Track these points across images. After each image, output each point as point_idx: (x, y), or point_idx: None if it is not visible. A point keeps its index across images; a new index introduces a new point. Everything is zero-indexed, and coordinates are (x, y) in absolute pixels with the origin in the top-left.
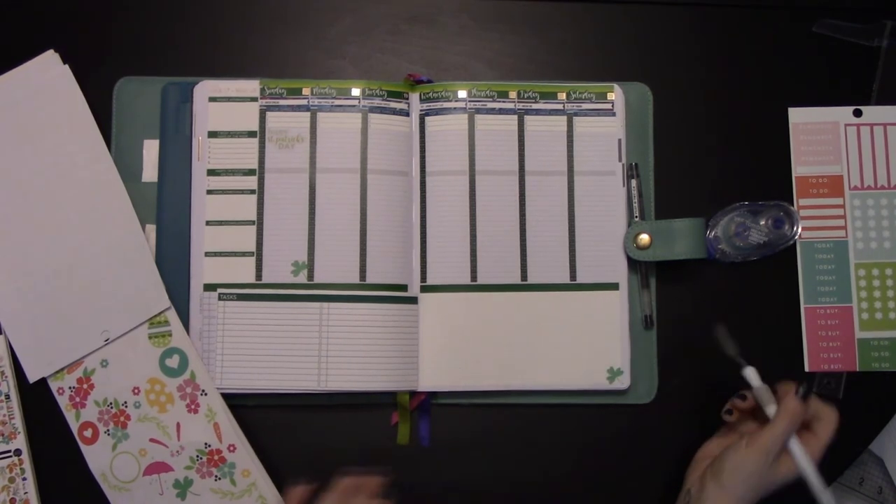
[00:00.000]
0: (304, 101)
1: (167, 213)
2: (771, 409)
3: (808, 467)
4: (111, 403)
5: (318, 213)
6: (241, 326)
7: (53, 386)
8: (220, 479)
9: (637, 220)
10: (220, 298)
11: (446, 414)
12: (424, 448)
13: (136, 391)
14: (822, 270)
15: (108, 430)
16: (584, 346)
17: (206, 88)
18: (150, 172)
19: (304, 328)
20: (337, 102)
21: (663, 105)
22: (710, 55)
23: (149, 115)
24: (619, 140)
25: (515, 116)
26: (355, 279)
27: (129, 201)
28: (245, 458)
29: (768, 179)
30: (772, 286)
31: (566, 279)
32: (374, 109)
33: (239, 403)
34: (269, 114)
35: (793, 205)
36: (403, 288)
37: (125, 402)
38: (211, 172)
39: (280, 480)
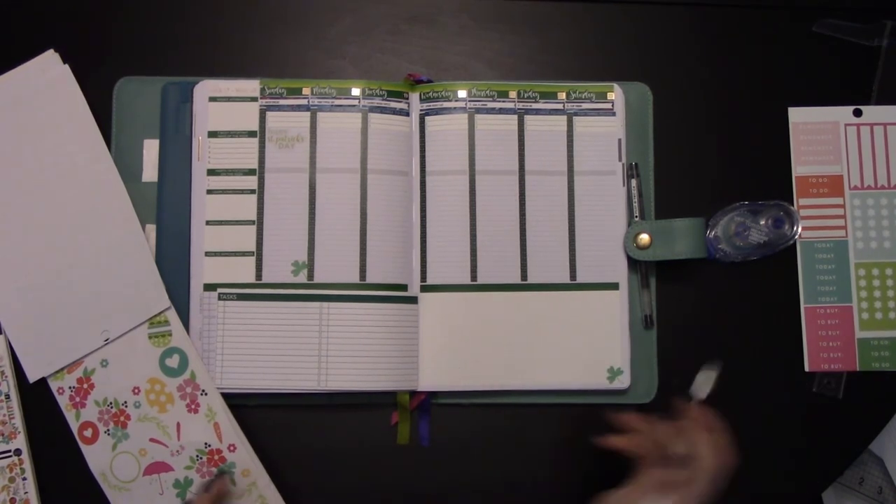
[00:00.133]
0: (304, 101)
1: (167, 213)
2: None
3: None
4: (111, 403)
5: (318, 212)
6: (241, 326)
7: (53, 386)
8: None
9: (637, 219)
10: (220, 298)
11: (446, 414)
12: (424, 448)
13: (136, 391)
14: (822, 270)
15: (108, 430)
16: (584, 345)
17: (206, 88)
18: (150, 172)
19: (304, 328)
20: (337, 102)
21: (663, 105)
22: (710, 55)
23: (149, 115)
24: (619, 140)
25: (515, 116)
26: (355, 279)
27: (129, 201)
28: (245, 458)
29: (768, 179)
30: (772, 286)
31: (566, 279)
32: (374, 109)
33: (239, 403)
34: (269, 114)
35: (793, 205)
36: (403, 288)
37: (125, 402)
38: (211, 172)
39: (280, 480)
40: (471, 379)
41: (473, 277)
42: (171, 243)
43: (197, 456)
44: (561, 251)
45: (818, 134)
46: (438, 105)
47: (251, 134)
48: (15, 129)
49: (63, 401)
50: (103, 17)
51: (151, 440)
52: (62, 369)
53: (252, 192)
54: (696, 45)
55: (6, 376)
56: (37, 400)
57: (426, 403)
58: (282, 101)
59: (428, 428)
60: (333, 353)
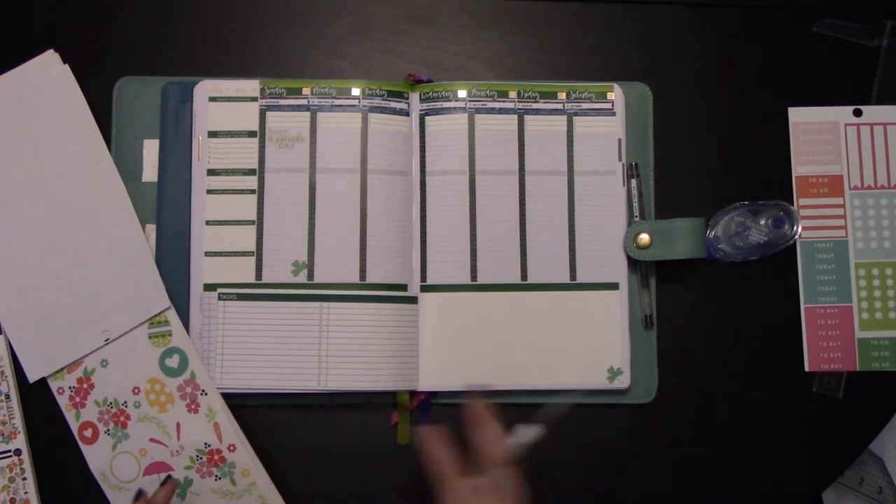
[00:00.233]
0: (304, 101)
1: (167, 213)
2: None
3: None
4: (111, 403)
5: (318, 212)
6: (241, 326)
7: (53, 386)
8: (220, 478)
9: (637, 219)
10: (220, 298)
11: (446, 414)
12: None
13: (136, 391)
14: (822, 270)
15: (108, 430)
16: (584, 345)
17: (206, 88)
18: (150, 172)
19: (304, 328)
20: (337, 102)
21: (663, 105)
22: (710, 55)
23: (149, 115)
24: (619, 140)
25: (515, 116)
26: (355, 279)
27: (129, 201)
28: (245, 458)
29: (768, 179)
30: (772, 286)
31: (566, 279)
32: (374, 109)
33: (239, 403)
34: (269, 114)
35: (793, 204)
36: (403, 288)
37: (125, 402)
38: (211, 172)
39: (280, 480)
40: (471, 379)
41: (473, 277)
42: (171, 243)
43: (197, 456)
44: (561, 251)
45: (818, 134)
46: (438, 105)
47: (251, 134)
48: (15, 129)
49: (63, 401)
50: (103, 17)
51: (151, 440)
52: (62, 369)
53: (252, 192)
54: (696, 45)
55: (6, 376)
56: (37, 400)
57: (426, 403)
58: (282, 101)
59: None
60: (333, 353)
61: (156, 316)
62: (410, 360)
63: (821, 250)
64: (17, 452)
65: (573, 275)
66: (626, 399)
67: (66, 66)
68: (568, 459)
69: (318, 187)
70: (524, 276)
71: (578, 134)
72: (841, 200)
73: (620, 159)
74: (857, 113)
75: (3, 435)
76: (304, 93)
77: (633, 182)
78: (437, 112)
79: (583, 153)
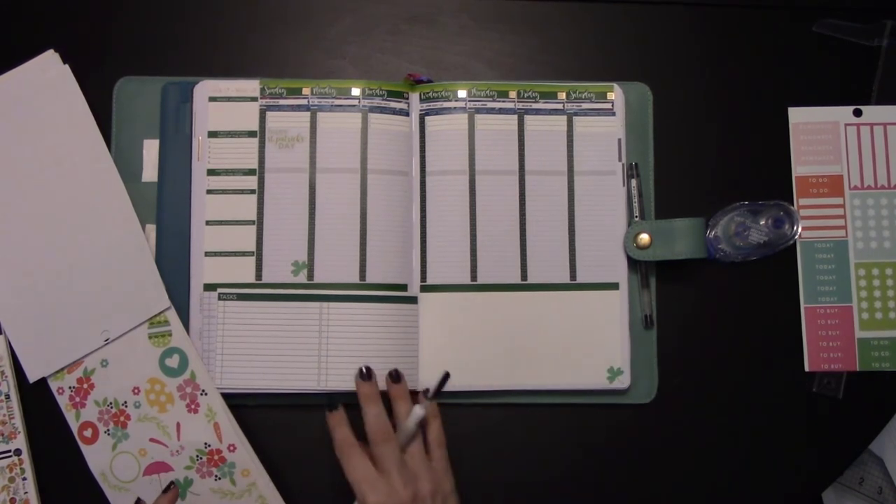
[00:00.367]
0: (304, 101)
1: (167, 213)
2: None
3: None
4: (111, 403)
5: (318, 212)
6: (241, 326)
7: (53, 386)
8: (220, 478)
9: (637, 219)
10: (220, 298)
11: (446, 414)
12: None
13: (136, 391)
14: (822, 270)
15: (108, 430)
16: (584, 346)
17: (206, 88)
18: (150, 172)
19: (304, 328)
20: (337, 102)
21: (663, 105)
22: (710, 55)
23: (149, 115)
24: (619, 140)
25: (515, 116)
26: (355, 279)
27: (129, 201)
28: (245, 458)
29: (768, 179)
30: (772, 286)
31: (566, 279)
32: (374, 109)
33: (239, 403)
34: (269, 114)
35: (793, 205)
36: (403, 288)
37: (125, 402)
38: (211, 172)
39: (280, 480)
40: (471, 379)
41: (473, 277)
42: (171, 243)
43: (197, 456)
44: (561, 251)
45: (818, 134)
46: (438, 105)
47: (251, 134)
48: (15, 129)
49: (63, 401)
50: (103, 17)
51: (151, 440)
52: (62, 369)
53: (252, 192)
54: (696, 45)
55: (6, 376)
56: (37, 400)
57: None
58: (282, 101)
59: None
60: (333, 353)
61: (156, 316)
62: (410, 360)
63: (821, 250)
64: (17, 452)
65: (573, 275)
66: (626, 399)
67: (66, 66)
68: (568, 459)
69: (318, 187)
70: (524, 276)
71: (578, 134)
72: (841, 200)
73: (620, 159)
74: (857, 113)
75: (3, 435)
76: (304, 93)
77: (633, 182)
78: (437, 112)
79: (583, 153)
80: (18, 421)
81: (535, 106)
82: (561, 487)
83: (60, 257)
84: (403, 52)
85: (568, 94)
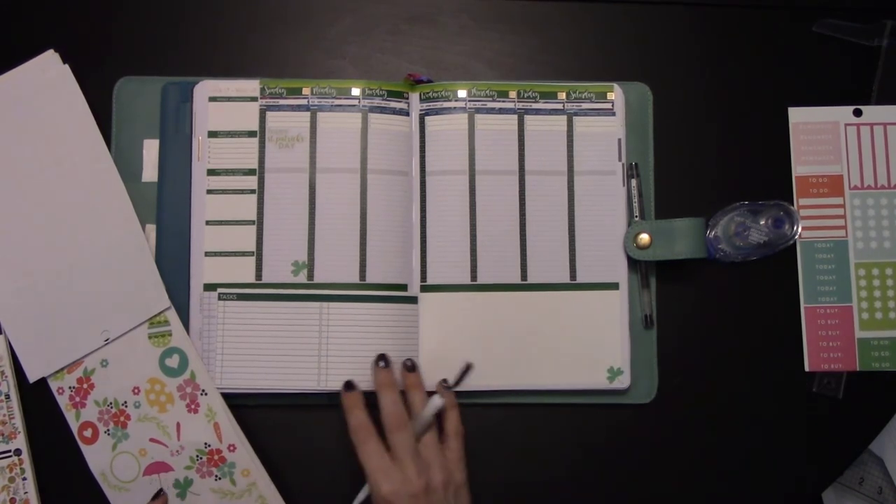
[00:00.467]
0: (304, 101)
1: (167, 213)
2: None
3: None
4: (111, 403)
5: (318, 212)
6: (241, 326)
7: (53, 386)
8: (220, 478)
9: (637, 219)
10: (220, 298)
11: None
12: None
13: (136, 391)
14: (822, 270)
15: (108, 430)
16: (584, 346)
17: (206, 88)
18: (150, 172)
19: (304, 328)
20: (337, 102)
21: (663, 105)
22: (710, 55)
23: (149, 114)
24: (619, 140)
25: (515, 116)
26: (355, 279)
27: (129, 201)
28: (245, 458)
29: (768, 179)
30: (772, 286)
31: (566, 279)
32: (374, 109)
33: (239, 403)
34: (269, 113)
35: (793, 204)
36: (403, 288)
37: (125, 402)
38: (211, 172)
39: (280, 480)
40: (470, 379)
41: (473, 277)
42: (171, 243)
43: (197, 456)
44: (561, 251)
45: (818, 134)
46: (438, 105)
47: (251, 134)
48: (15, 129)
49: (63, 401)
50: (103, 17)
51: (151, 440)
52: (62, 369)
53: (252, 192)
54: (696, 45)
55: (6, 376)
56: (37, 400)
57: None
58: (282, 101)
59: None
60: (333, 353)
61: (156, 316)
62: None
63: (821, 250)
64: (17, 452)
65: (573, 275)
66: (626, 399)
67: (66, 66)
68: (568, 459)
69: (318, 187)
70: (524, 276)
71: (578, 134)
72: (841, 200)
73: (620, 159)
74: (857, 113)
75: (3, 435)
76: (304, 93)
77: (633, 182)
78: (437, 112)
79: (583, 153)
80: (18, 421)
81: (535, 106)
82: (561, 487)
83: (60, 257)
84: (403, 52)
85: (568, 94)
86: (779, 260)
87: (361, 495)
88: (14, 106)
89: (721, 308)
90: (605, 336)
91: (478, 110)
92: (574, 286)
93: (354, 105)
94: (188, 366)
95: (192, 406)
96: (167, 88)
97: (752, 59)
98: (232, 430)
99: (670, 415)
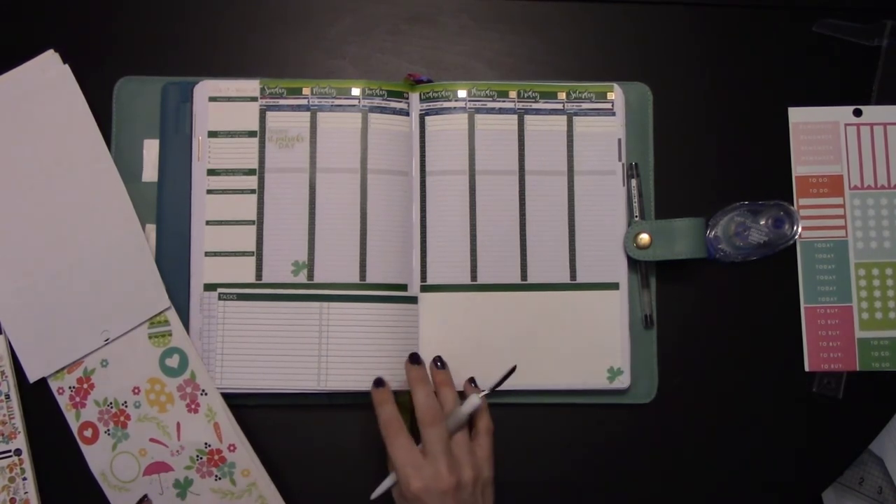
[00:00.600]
0: (304, 101)
1: (167, 212)
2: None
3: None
4: (111, 403)
5: (318, 212)
6: (241, 326)
7: (53, 386)
8: (220, 478)
9: (637, 219)
10: (220, 298)
11: None
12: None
13: (136, 391)
14: (822, 270)
15: (108, 430)
16: (584, 345)
17: (206, 88)
18: (150, 172)
19: (304, 328)
20: (337, 102)
21: (663, 105)
22: (710, 55)
23: (149, 114)
24: (619, 140)
25: (515, 116)
26: (355, 279)
27: (129, 201)
28: (245, 458)
29: (768, 179)
30: (772, 286)
31: (566, 279)
32: (374, 109)
33: (239, 403)
34: (269, 113)
35: (793, 204)
36: (403, 288)
37: (125, 402)
38: (211, 172)
39: (280, 480)
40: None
41: (473, 277)
42: (171, 243)
43: (197, 456)
44: (561, 251)
45: (818, 134)
46: (438, 105)
47: (251, 134)
48: (15, 129)
49: (63, 401)
50: (103, 17)
51: (151, 440)
52: (62, 369)
53: (252, 192)
54: (696, 45)
55: (6, 376)
56: (37, 400)
57: None
58: (282, 101)
59: None
60: (333, 353)
61: (156, 316)
62: None
63: (821, 250)
64: (17, 452)
65: (573, 275)
66: (626, 399)
67: (66, 66)
68: (568, 459)
69: (318, 187)
70: (524, 276)
71: (578, 134)
72: (841, 200)
73: (620, 159)
74: (857, 113)
75: (3, 435)
76: (304, 93)
77: (633, 182)
78: (437, 112)
79: (583, 153)
80: (18, 421)
81: (535, 106)
82: (561, 487)
83: (60, 257)
84: (403, 52)
85: (568, 94)
86: (779, 260)
87: (385, 484)
88: (14, 106)
89: (721, 308)
90: (605, 336)
91: (478, 110)
92: (574, 286)
93: (354, 105)
94: (188, 366)
95: (192, 406)
96: (167, 88)
97: (752, 59)
98: (232, 430)
99: (670, 415)
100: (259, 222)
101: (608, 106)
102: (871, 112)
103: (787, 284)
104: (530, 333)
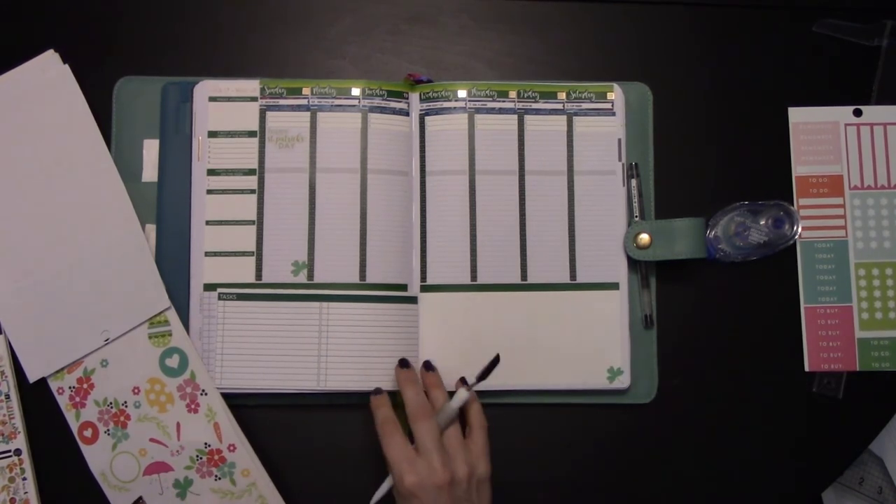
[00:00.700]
0: (304, 101)
1: (167, 212)
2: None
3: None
4: (111, 403)
5: (318, 212)
6: (241, 326)
7: (53, 386)
8: (220, 478)
9: (637, 219)
10: (219, 298)
11: None
12: None
13: (136, 391)
14: (822, 270)
15: (108, 430)
16: (584, 345)
17: (206, 88)
18: (150, 172)
19: (304, 328)
20: (337, 102)
21: (663, 105)
22: (710, 55)
23: (149, 114)
24: (619, 140)
25: (515, 116)
26: (355, 279)
27: (129, 201)
28: (245, 458)
29: (768, 179)
30: (772, 286)
31: (566, 279)
32: (374, 109)
33: (239, 403)
34: (269, 113)
35: (793, 204)
36: (403, 288)
37: (125, 402)
38: (211, 172)
39: (280, 480)
40: (470, 379)
41: (473, 277)
42: (171, 243)
43: (197, 456)
44: (561, 251)
45: (818, 134)
46: (438, 105)
47: (251, 134)
48: (15, 129)
49: (63, 401)
50: (103, 17)
51: (151, 440)
52: (62, 369)
53: (252, 192)
54: (696, 45)
55: (6, 376)
56: (37, 400)
57: None
58: (282, 101)
59: None
60: (333, 353)
61: (156, 316)
62: (410, 360)
63: (821, 250)
64: (17, 452)
65: (573, 275)
66: (626, 399)
67: (66, 66)
68: (568, 459)
69: (318, 187)
70: (524, 276)
71: (578, 134)
72: (841, 200)
73: (620, 159)
74: (857, 113)
75: (3, 435)
76: (304, 93)
77: (633, 182)
78: (437, 112)
79: (583, 153)
80: (18, 421)
81: (535, 106)
82: (561, 487)
83: (60, 257)
84: (403, 52)
85: (568, 94)
86: (779, 260)
87: (383, 489)
88: (14, 106)
89: (721, 308)
90: (605, 336)
91: (478, 110)
92: (574, 286)
93: (354, 105)
94: (188, 366)
95: (192, 406)
96: (167, 88)
97: (752, 59)
98: (232, 430)
99: (670, 415)
100: (259, 222)
101: (608, 106)
102: (871, 112)
103: (787, 284)
104: (530, 333)
